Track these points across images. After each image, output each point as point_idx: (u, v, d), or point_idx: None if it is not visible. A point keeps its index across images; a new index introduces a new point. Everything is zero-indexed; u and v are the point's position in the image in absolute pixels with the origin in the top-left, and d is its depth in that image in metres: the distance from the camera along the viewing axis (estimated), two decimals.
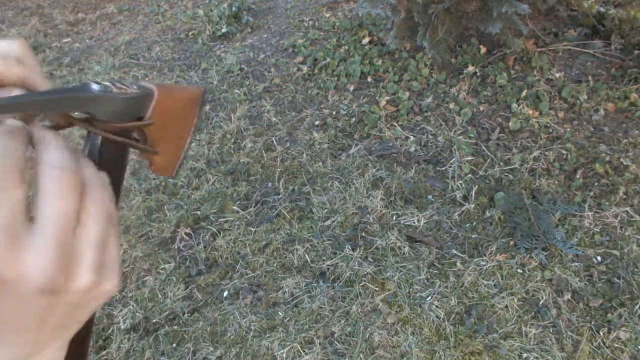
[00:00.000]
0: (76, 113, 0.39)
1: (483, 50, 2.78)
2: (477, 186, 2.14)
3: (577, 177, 2.13)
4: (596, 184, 2.10)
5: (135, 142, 0.44)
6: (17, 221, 0.27)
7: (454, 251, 1.94)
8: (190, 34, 3.81)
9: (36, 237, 0.27)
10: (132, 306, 1.92)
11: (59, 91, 0.36)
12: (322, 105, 2.77)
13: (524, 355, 1.61)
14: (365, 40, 3.11)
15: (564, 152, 2.25)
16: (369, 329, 1.72)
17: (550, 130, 2.36)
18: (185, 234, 2.17)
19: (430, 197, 2.16)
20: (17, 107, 0.33)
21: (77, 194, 0.30)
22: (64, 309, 0.30)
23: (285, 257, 2.01)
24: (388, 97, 2.68)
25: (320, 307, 1.81)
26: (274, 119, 2.72)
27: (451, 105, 2.54)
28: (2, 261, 0.26)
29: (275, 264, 1.99)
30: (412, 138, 2.43)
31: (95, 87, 0.37)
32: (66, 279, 0.29)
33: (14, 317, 0.29)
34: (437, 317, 1.74)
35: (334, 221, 2.11)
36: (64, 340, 0.33)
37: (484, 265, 1.86)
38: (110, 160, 0.43)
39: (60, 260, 0.28)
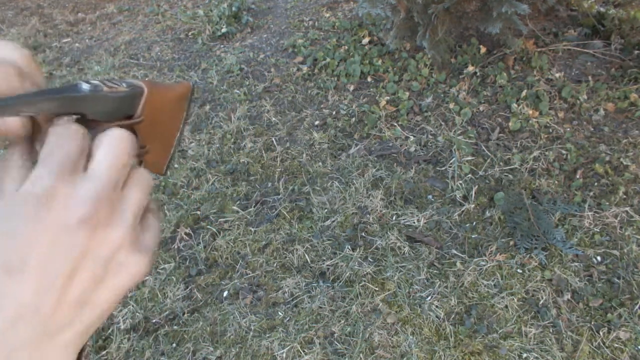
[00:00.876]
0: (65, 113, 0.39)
1: (483, 50, 2.78)
2: (477, 186, 2.14)
3: (577, 177, 2.13)
4: (596, 184, 2.10)
5: None
6: (75, 160, 0.31)
7: (454, 251, 1.94)
8: (190, 34, 3.81)
9: (88, 175, 0.31)
10: (132, 306, 1.92)
11: (50, 92, 0.36)
12: (322, 105, 2.77)
13: (524, 355, 1.61)
14: (365, 40, 3.11)
15: (564, 152, 2.25)
16: (369, 329, 1.72)
17: (550, 130, 2.36)
18: (185, 234, 2.17)
19: (430, 197, 2.16)
20: (7, 109, 0.33)
21: (129, 159, 0.34)
22: (93, 267, 0.30)
23: (285, 257, 2.01)
24: (388, 97, 2.68)
25: (320, 307, 1.81)
26: (273, 119, 2.72)
27: (451, 105, 2.54)
28: (54, 183, 0.29)
29: (275, 264, 1.99)
30: (412, 138, 2.43)
31: (85, 86, 0.37)
32: (106, 221, 0.31)
33: (45, 245, 0.28)
34: (437, 317, 1.74)
35: (334, 221, 2.11)
36: (75, 342, 0.31)
37: (484, 265, 1.86)
38: None
39: (105, 199, 0.31)
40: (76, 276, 0.30)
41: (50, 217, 0.29)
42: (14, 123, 0.34)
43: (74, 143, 0.32)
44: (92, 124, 0.40)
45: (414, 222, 2.05)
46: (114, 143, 0.34)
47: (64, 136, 0.32)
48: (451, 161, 2.28)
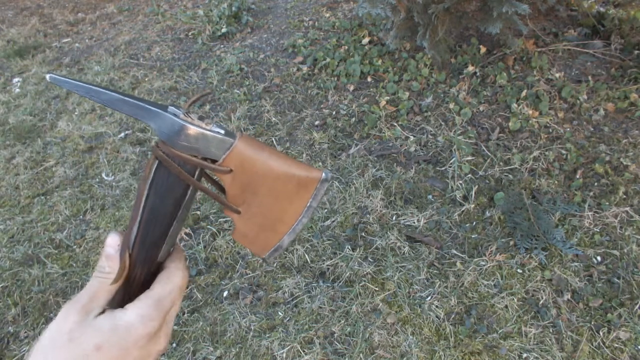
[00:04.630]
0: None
1: (483, 50, 2.78)
2: (477, 186, 2.14)
3: (577, 177, 2.13)
4: (596, 184, 2.10)
5: (205, 187, 0.43)
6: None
7: (454, 251, 1.94)
8: (190, 34, 3.81)
9: (151, 297, 0.46)
10: None
11: (137, 100, 0.40)
12: (322, 105, 2.77)
13: (524, 355, 1.61)
14: (365, 40, 3.11)
15: (564, 152, 2.25)
16: (368, 329, 1.72)
17: (550, 130, 2.36)
18: (185, 234, 2.17)
19: (430, 197, 2.16)
20: (91, 93, 0.40)
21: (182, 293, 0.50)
22: None
23: (285, 257, 2.01)
24: (388, 97, 2.68)
25: (320, 307, 1.81)
26: (273, 119, 2.72)
27: (451, 105, 2.54)
28: (160, 324, 0.47)
29: (275, 264, 1.99)
30: (412, 138, 2.43)
31: (170, 109, 0.39)
32: (161, 338, 0.47)
33: (116, 351, 0.42)
34: (437, 317, 1.74)
35: (334, 221, 2.11)
36: None
37: (484, 265, 1.86)
38: (163, 186, 0.41)
39: (162, 319, 0.46)
40: None
41: (146, 350, 0.44)
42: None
43: (180, 296, 0.48)
44: (163, 146, 0.40)
45: (414, 222, 2.05)
46: (179, 282, 0.49)
47: (176, 285, 0.48)
48: (451, 161, 2.28)
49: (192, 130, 0.39)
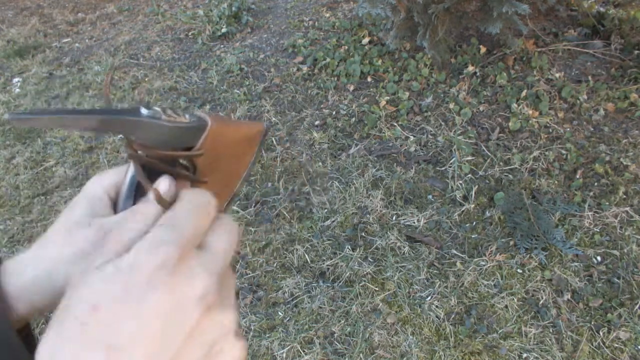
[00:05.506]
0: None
1: (483, 50, 2.78)
2: (477, 186, 2.14)
3: (577, 177, 2.13)
4: (596, 184, 2.10)
5: (179, 171, 0.43)
6: (201, 235, 0.31)
7: (454, 251, 1.94)
8: (190, 34, 3.81)
9: (207, 251, 0.31)
10: None
11: (109, 112, 0.37)
12: (322, 105, 2.77)
13: (524, 355, 1.61)
14: (365, 40, 3.11)
15: (564, 152, 2.25)
16: (368, 329, 1.72)
17: (550, 130, 2.36)
18: None
19: (430, 197, 2.16)
20: (65, 120, 0.34)
21: (237, 247, 0.34)
22: (198, 350, 0.28)
23: (285, 257, 2.01)
24: (388, 97, 2.68)
25: (320, 307, 1.81)
26: (274, 119, 2.72)
27: (451, 105, 2.54)
28: (179, 253, 0.28)
29: (275, 264, 1.99)
30: (412, 138, 2.43)
31: (144, 111, 0.37)
32: (221, 302, 0.30)
33: (159, 325, 0.26)
34: (437, 317, 1.74)
35: (333, 221, 2.11)
36: None
37: (484, 265, 1.86)
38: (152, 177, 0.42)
39: (221, 280, 0.30)
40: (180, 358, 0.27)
41: (170, 290, 0.27)
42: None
43: (207, 217, 0.32)
44: (146, 150, 0.39)
45: (414, 222, 2.05)
46: (229, 229, 0.33)
47: (198, 205, 0.32)
48: (451, 161, 2.28)
49: (179, 128, 0.40)
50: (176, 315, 0.27)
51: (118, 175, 0.40)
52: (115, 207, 0.41)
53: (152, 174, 0.41)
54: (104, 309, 0.26)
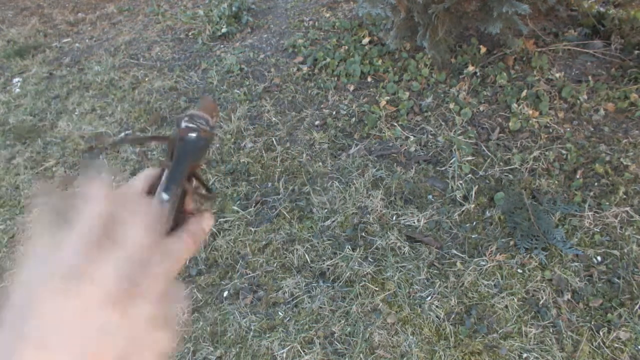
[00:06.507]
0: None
1: (483, 50, 2.78)
2: (477, 186, 2.14)
3: (577, 177, 2.13)
4: (596, 184, 2.10)
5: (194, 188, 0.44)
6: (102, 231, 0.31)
7: (454, 251, 1.94)
8: (190, 34, 3.80)
9: (117, 247, 0.30)
10: None
11: (160, 138, 0.41)
12: (322, 105, 2.77)
13: (524, 355, 1.61)
14: (365, 40, 3.11)
15: (564, 152, 2.24)
16: (369, 329, 1.72)
17: (550, 130, 2.36)
18: None
19: (430, 197, 2.16)
20: (124, 142, 0.37)
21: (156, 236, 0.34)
22: (120, 346, 0.29)
23: (285, 257, 2.01)
24: (388, 97, 2.68)
25: (320, 307, 1.81)
26: (274, 119, 2.72)
27: (451, 105, 2.54)
28: (79, 260, 0.29)
29: (275, 264, 1.99)
30: (412, 138, 2.43)
31: (185, 125, 0.40)
32: (132, 297, 0.30)
33: (77, 323, 0.28)
34: (437, 317, 1.74)
35: (334, 221, 2.11)
36: None
37: (484, 265, 1.86)
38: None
39: (132, 275, 0.30)
40: (102, 356, 0.28)
41: (79, 294, 0.28)
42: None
43: (99, 206, 0.31)
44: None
45: (414, 222, 2.05)
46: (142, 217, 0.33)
47: (90, 197, 0.31)
48: (451, 161, 2.28)
49: (207, 142, 0.42)
50: (89, 316, 0.28)
51: (154, 178, 0.41)
52: None
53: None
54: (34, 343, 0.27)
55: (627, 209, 1.97)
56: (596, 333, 1.64)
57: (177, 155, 0.39)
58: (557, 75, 2.61)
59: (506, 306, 1.74)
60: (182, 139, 0.39)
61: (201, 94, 3.06)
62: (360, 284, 1.86)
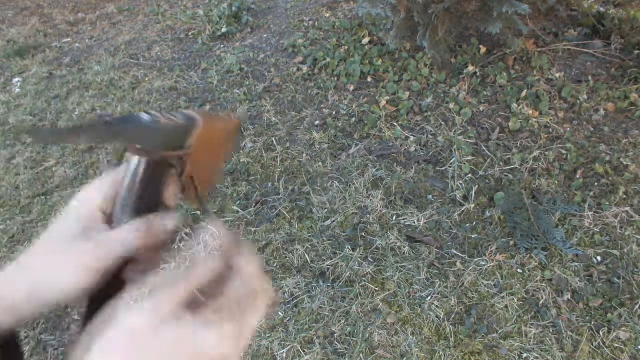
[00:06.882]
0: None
1: (483, 50, 2.78)
2: (477, 186, 2.14)
3: (577, 177, 2.13)
4: (596, 184, 2.10)
5: (173, 169, 0.44)
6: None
7: (454, 251, 1.94)
8: (190, 34, 3.80)
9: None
10: None
11: (114, 123, 0.38)
12: (322, 105, 2.77)
13: (524, 355, 1.61)
14: (365, 40, 3.11)
15: (564, 152, 2.25)
16: (369, 329, 1.72)
17: (550, 130, 2.36)
18: (185, 234, 2.17)
19: (430, 197, 2.16)
20: (70, 136, 0.36)
21: None
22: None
23: (285, 257, 2.01)
24: (388, 97, 2.68)
25: (320, 307, 1.81)
26: (274, 119, 2.72)
27: (451, 105, 2.54)
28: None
29: (275, 264, 1.99)
30: (412, 138, 2.43)
31: (145, 117, 0.38)
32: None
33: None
34: (437, 317, 1.74)
35: (334, 221, 2.11)
36: None
37: (484, 265, 1.86)
38: (150, 182, 0.43)
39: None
40: None
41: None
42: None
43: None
44: (145, 153, 0.40)
45: (414, 222, 2.05)
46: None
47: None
48: (451, 161, 2.28)
49: (176, 130, 0.41)
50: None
51: (108, 187, 0.42)
52: (110, 217, 0.42)
53: (148, 174, 0.42)
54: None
55: (627, 209, 1.97)
56: (596, 333, 1.64)
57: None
58: (557, 75, 2.61)
59: (506, 306, 1.74)
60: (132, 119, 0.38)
61: (201, 94, 3.06)
62: (360, 284, 1.86)
